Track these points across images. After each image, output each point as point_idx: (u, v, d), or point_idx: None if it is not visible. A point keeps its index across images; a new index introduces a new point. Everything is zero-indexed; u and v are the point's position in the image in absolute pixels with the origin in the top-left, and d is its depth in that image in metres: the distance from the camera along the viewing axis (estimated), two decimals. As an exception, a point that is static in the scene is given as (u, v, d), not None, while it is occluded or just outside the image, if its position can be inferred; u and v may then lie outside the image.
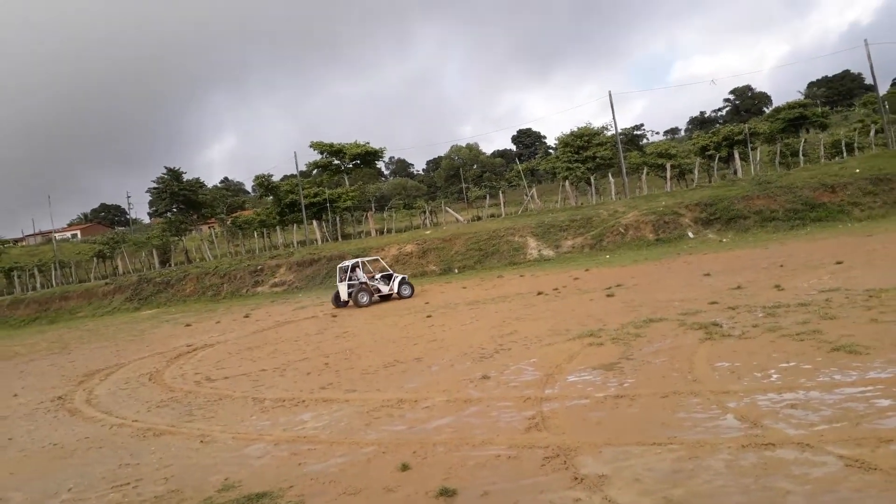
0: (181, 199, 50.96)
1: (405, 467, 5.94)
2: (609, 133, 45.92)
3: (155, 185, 52.00)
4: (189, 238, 56.92)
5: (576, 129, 46.22)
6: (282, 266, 38.03)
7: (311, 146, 52.07)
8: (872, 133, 40.26)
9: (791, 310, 10.59)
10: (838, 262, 15.57)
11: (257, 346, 15.62)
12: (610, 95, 42.33)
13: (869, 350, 7.56)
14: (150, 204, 63.20)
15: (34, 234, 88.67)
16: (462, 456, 6.11)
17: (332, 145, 51.94)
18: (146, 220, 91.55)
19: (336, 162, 53.26)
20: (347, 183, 54.05)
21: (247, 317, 24.28)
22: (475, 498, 5.13)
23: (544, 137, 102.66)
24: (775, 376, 7.16)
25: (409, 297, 23.21)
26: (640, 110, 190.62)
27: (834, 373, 6.96)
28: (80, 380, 14.00)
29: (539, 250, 32.04)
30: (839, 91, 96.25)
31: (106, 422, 9.63)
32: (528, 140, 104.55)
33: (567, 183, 43.08)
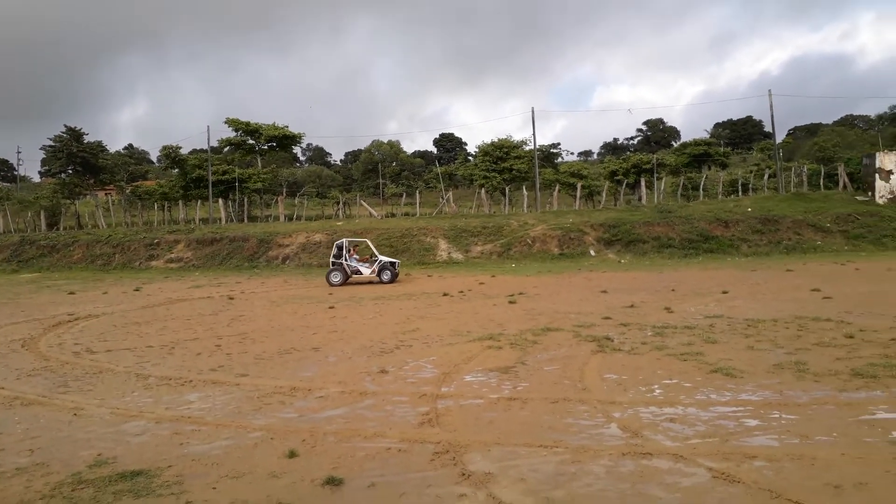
0: (79, 160, 47.84)
1: (293, 454, 5.82)
2: (527, 148, 47.07)
3: (51, 143, 48.48)
4: (83, 203, 53.41)
5: (496, 140, 47.09)
6: (180, 242, 36.39)
7: (225, 122, 50.24)
8: (766, 177, 43.38)
9: (678, 331, 11.22)
10: (724, 292, 16.64)
11: (146, 322, 14.85)
12: (532, 112, 43.58)
13: (743, 374, 8.12)
14: (44, 162, 58.79)
15: None
16: (352, 447, 6.06)
17: (248, 124, 50.31)
18: (36, 178, 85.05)
19: (251, 142, 51.59)
20: (260, 164, 52.48)
21: (137, 290, 23.05)
22: (362, 488, 5.10)
23: (465, 144, 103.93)
24: (658, 391, 7.56)
25: (389, 282, 23.16)
26: (560, 129, 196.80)
27: (711, 392, 7.43)
28: (-59, 340, 12.80)
29: (449, 253, 32.34)
30: (741, 134, 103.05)
31: (-34, 387, 8.84)
32: (449, 144, 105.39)
33: (483, 191, 43.79)
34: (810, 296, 15.26)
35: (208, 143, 48.59)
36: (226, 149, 52.64)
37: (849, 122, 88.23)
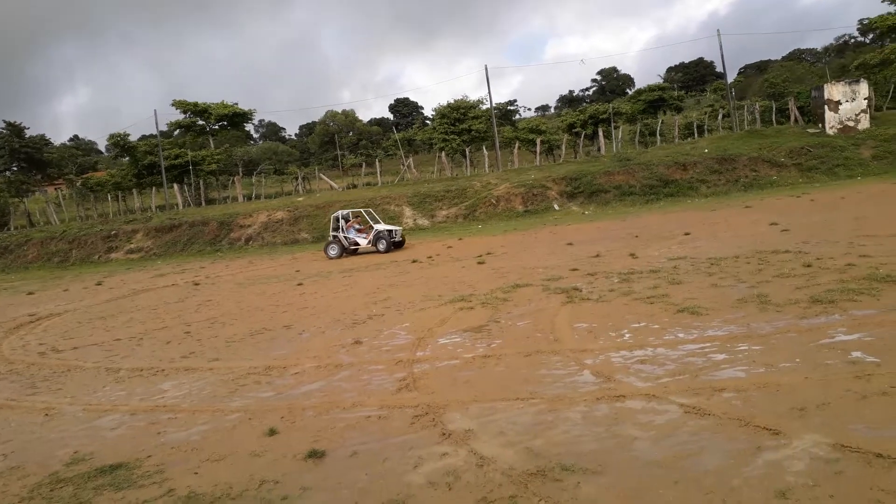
0: (22, 156, 46.06)
1: (272, 432, 5.83)
2: (484, 107, 46.76)
3: (-8, 141, 46.59)
4: (32, 200, 51.64)
5: (453, 102, 46.66)
6: (139, 231, 35.57)
7: (173, 105, 48.79)
8: (720, 117, 43.92)
9: (643, 276, 11.43)
10: (686, 234, 16.96)
11: (111, 315, 14.56)
12: (486, 70, 43.13)
13: (708, 311, 8.34)
14: (-15, 161, 56.52)
15: None
16: (331, 419, 6.08)
17: (196, 104, 48.92)
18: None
19: (201, 122, 50.26)
20: (213, 145, 51.24)
21: (99, 284, 22.54)
22: (344, 458, 5.13)
23: (422, 108, 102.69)
24: (627, 335, 7.73)
25: (386, 252, 22.51)
26: (517, 85, 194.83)
27: (678, 331, 7.62)
28: None
29: (415, 219, 32.25)
30: (694, 76, 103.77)
31: (-71, 398, 8.60)
32: (405, 110, 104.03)
33: (443, 154, 43.52)
34: (769, 230, 15.64)
35: (157, 128, 47.14)
36: (176, 132, 51.20)
37: (797, 56, 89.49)
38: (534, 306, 10.04)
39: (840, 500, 3.61)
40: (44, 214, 44.73)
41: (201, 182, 44.07)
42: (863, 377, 5.46)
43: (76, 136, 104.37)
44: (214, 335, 10.83)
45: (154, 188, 44.31)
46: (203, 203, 42.44)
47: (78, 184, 50.18)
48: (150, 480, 5.09)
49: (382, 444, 5.33)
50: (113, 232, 35.83)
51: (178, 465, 5.36)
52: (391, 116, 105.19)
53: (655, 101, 57.62)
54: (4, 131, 45.89)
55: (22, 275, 31.81)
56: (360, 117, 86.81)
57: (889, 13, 44.93)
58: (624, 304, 9.35)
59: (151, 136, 53.19)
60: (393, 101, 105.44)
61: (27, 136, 46.31)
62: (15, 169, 48.58)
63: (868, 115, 34.55)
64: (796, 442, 4.41)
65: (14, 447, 6.24)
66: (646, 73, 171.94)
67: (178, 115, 49.70)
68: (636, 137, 43.08)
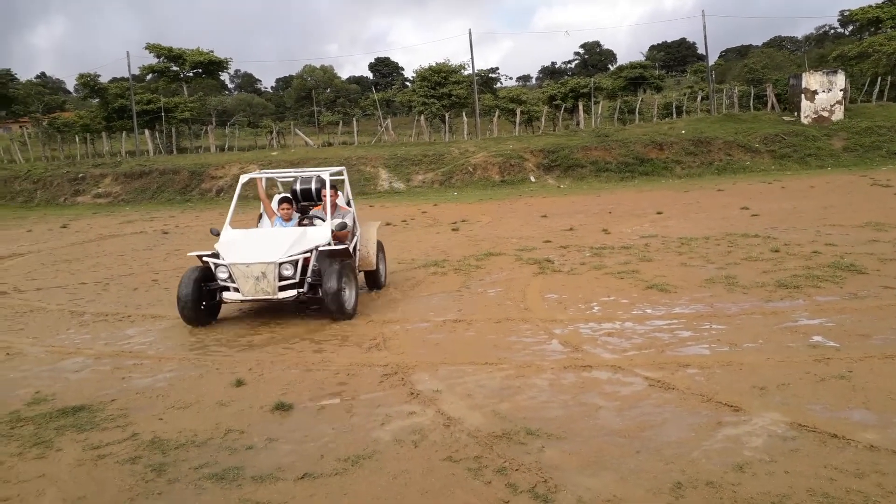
0: (-14, 91, 44.27)
1: (240, 383, 5.81)
2: (466, 73, 46.23)
3: (-48, 73, 44.63)
4: (-5, 136, 49.86)
5: (434, 65, 46.02)
6: (107, 176, 34.68)
7: (146, 48, 47.23)
8: (699, 99, 44.15)
9: (615, 251, 11.55)
10: (659, 213, 17.14)
11: (77, 259, 14.26)
12: (470, 34, 42.39)
13: (677, 289, 8.48)
14: (-54, 95, 54.14)
15: None
16: (300, 373, 6.09)
17: (170, 49, 47.42)
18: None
19: (175, 68, 48.80)
20: (186, 93, 49.89)
21: (65, 227, 22.01)
22: (312, 411, 5.16)
23: (402, 69, 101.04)
24: (596, 308, 7.84)
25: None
26: (503, 52, 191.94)
27: (646, 307, 7.74)
28: None
29: (390, 182, 32.01)
30: (675, 56, 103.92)
31: None
32: (386, 70, 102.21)
33: (422, 118, 43.05)
34: (740, 213, 15.89)
35: (129, 71, 45.60)
36: (148, 76, 49.64)
37: (777, 43, 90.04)
38: (506, 275, 10.10)
39: (794, 476, 3.74)
40: (8, 152, 43.28)
41: (173, 130, 43.00)
42: (822, 360, 5.63)
43: (43, 74, 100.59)
44: (182, 285, 10.68)
45: (124, 133, 43.11)
46: (174, 151, 41.48)
47: (44, 123, 48.51)
48: (113, 424, 5.05)
49: (351, 400, 5.36)
50: (80, 175, 34.88)
51: (142, 410, 5.33)
52: (370, 75, 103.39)
53: (636, 79, 57.53)
54: (-33, 64, 44.01)
55: (-18, 213, 30.86)
56: (340, 74, 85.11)
57: (870, 6, 45.27)
58: (595, 278, 9.46)
59: (123, 78, 51.44)
60: (373, 60, 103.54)
61: (-8, 70, 44.47)
62: (-23, 105, 46.72)
63: (843, 107, 35.05)
64: (756, 419, 4.55)
65: (-27, 385, 6.12)
66: (630, 50, 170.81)
67: (151, 60, 48.21)
68: (615, 114, 43.09)
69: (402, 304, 8.64)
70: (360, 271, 9.14)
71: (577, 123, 42.32)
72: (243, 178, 9.43)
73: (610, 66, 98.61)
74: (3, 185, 34.89)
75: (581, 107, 42.71)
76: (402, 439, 4.56)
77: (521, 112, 42.53)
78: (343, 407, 5.23)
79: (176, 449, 4.58)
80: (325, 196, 8.77)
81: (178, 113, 45.09)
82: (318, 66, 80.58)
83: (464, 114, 42.56)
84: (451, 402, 5.17)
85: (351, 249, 8.66)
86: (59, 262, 13.97)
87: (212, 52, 48.80)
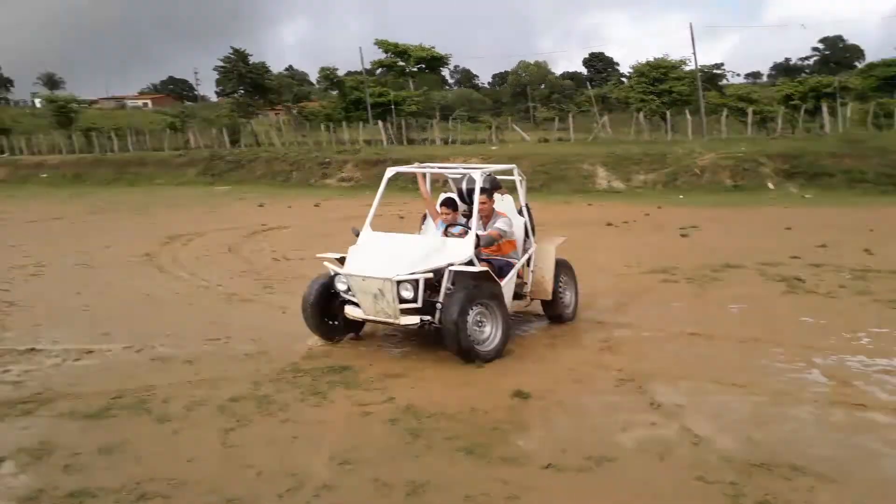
0: (248, 81, 51.06)
1: (479, 365, 6.10)
2: (687, 68, 43.45)
3: (222, 64, 52.15)
4: (258, 122, 57.51)
5: (653, 60, 43.88)
6: (349, 162, 38.29)
7: (375, 43, 50.97)
8: None
9: (883, 276, 10.05)
10: (934, 237, 14.71)
11: (330, 234, 15.96)
12: (691, 28, 39.75)
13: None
14: (218, 83, 63.34)
15: (108, 98, 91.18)
16: (533, 364, 6.27)
17: (396, 45, 50.66)
18: (213, 97, 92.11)
19: (401, 63, 52.05)
20: (412, 87, 53.08)
21: (317, 205, 24.73)
22: (550, 404, 5.30)
23: (618, 64, 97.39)
24: (865, 340, 6.92)
25: None
26: (726, 48, 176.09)
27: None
28: (164, 241, 14.59)
29: (608, 181, 31.26)
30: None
31: (191, 282, 10.17)
32: (600, 65, 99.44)
33: (641, 115, 41.36)
34: None
35: (361, 65, 49.51)
36: (378, 70, 53.56)
37: None
38: (747, 290, 9.35)
39: None
40: (267, 136, 49.77)
41: (402, 122, 46.15)
42: None
43: (291, 67, 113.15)
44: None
45: (361, 123, 47.28)
46: (405, 142, 44.59)
47: (294, 111, 54.78)
48: (373, 386, 5.65)
49: (588, 401, 5.42)
50: (327, 160, 38.96)
51: (396, 377, 5.85)
52: (584, 71, 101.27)
53: (892, 78, 49.38)
54: (232, 56, 50.95)
55: (252, 187, 35.81)
56: (553, 70, 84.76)
57: None
58: (860, 304, 8.36)
59: (357, 72, 56.26)
60: (587, 55, 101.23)
61: (251, 62, 51.04)
62: (242, 92, 53.85)
63: None
64: None
65: (259, 335, 7.20)
66: (882, 45, 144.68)
67: (380, 55, 51.89)
68: (868, 118, 37.73)
69: (631, 309, 8.43)
70: (531, 300, 7.45)
71: (822, 127, 37.70)
72: (389, 172, 7.94)
73: (857, 63, 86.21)
74: (267, 165, 40.17)
75: (826, 108, 37.94)
76: (646, 449, 4.50)
77: (754, 112, 38.98)
78: (581, 405, 5.31)
79: (428, 417, 4.99)
80: (479, 200, 6.72)
81: (406, 106, 48.25)
82: (531, 62, 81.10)
83: (687, 112, 40.04)
84: (697, 419, 4.96)
85: (502, 271, 6.68)
86: (316, 235, 15.79)
87: (433, 47, 51.26)
